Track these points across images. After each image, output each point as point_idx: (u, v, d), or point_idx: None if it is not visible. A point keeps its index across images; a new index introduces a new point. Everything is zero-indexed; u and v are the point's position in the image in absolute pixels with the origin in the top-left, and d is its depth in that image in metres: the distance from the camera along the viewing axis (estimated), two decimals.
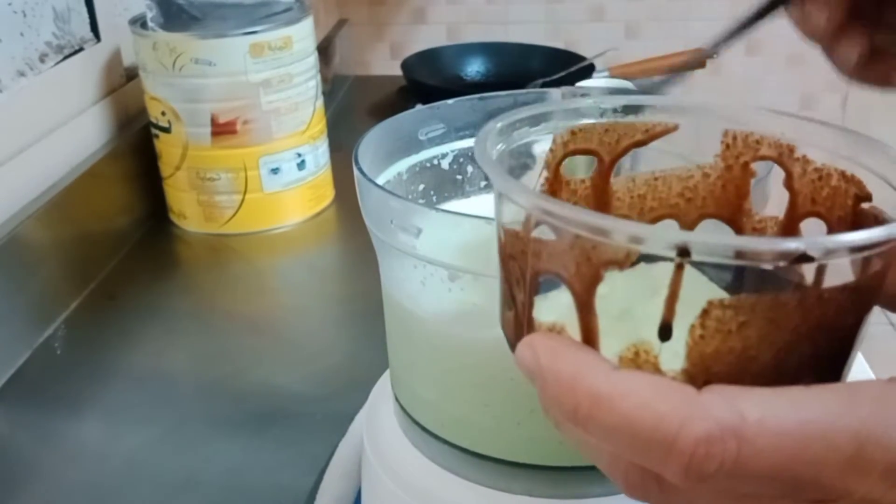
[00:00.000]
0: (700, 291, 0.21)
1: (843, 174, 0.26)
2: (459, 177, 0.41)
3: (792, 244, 0.20)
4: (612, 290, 0.22)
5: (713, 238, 0.21)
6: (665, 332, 0.22)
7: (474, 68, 1.36)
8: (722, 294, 0.21)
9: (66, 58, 0.77)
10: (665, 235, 0.21)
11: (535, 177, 0.30)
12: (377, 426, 0.40)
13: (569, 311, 0.23)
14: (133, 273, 0.78)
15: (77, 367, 0.64)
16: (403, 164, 0.39)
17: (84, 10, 0.80)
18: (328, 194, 0.89)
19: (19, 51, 0.71)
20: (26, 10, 0.71)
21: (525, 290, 0.24)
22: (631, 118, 0.30)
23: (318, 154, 0.87)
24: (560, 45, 1.40)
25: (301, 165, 0.84)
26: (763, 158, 0.28)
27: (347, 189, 0.87)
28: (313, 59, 0.85)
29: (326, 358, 0.65)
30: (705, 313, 0.21)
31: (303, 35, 0.82)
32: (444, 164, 0.41)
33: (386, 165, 0.39)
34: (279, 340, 0.68)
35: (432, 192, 0.41)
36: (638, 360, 0.22)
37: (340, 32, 1.43)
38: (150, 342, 0.68)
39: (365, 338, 0.66)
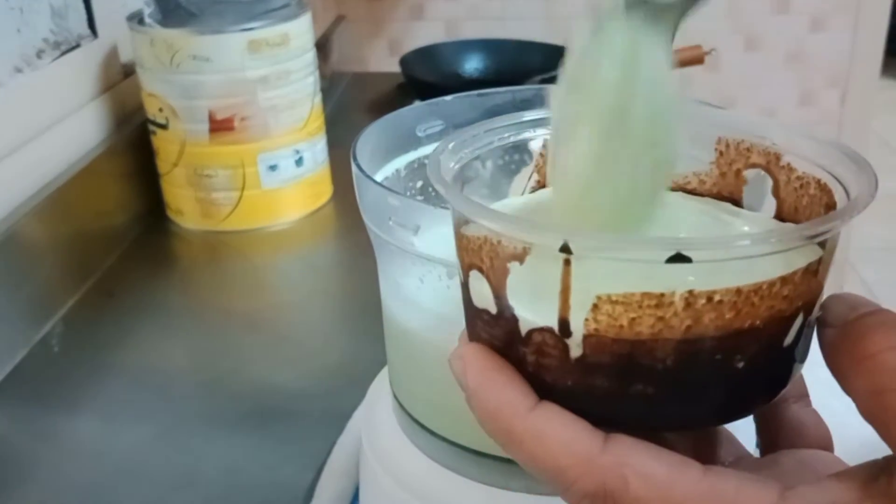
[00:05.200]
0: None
1: (818, 182, 0.26)
2: None
3: (668, 244, 0.21)
4: (524, 280, 0.23)
5: (592, 235, 0.22)
6: (564, 327, 0.22)
7: (473, 65, 1.36)
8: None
9: (63, 54, 0.77)
10: (546, 233, 0.22)
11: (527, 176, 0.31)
12: (375, 423, 0.40)
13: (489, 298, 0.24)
14: (131, 270, 0.78)
15: (74, 364, 0.64)
16: (402, 161, 0.39)
17: (81, 6, 0.80)
18: (326, 191, 0.89)
19: (16, 47, 0.71)
20: (23, 6, 0.71)
21: (461, 281, 0.26)
22: None
23: (317, 151, 0.86)
24: (559, 41, 1.39)
25: (299, 162, 0.84)
26: (753, 166, 0.28)
27: (346, 186, 0.87)
28: (311, 55, 0.84)
29: (324, 355, 0.65)
30: (595, 308, 0.22)
31: (301, 31, 0.82)
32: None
33: (384, 162, 0.39)
34: (277, 337, 0.68)
35: (431, 189, 0.41)
36: (546, 348, 0.23)
37: (338, 29, 1.43)
38: (147, 339, 0.67)
39: (363, 335, 0.66)
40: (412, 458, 0.37)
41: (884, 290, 2.00)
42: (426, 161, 0.40)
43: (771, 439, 0.28)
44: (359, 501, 0.43)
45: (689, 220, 0.28)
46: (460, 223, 0.25)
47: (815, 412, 0.28)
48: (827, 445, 0.27)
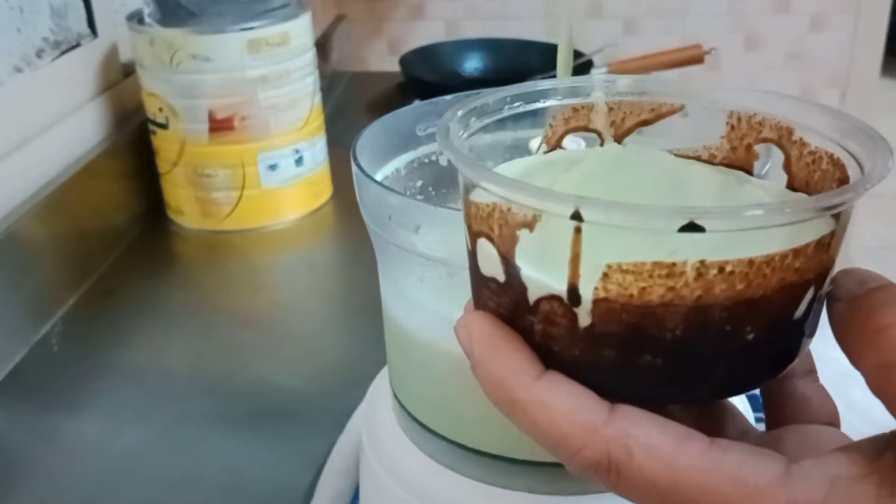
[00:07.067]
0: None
1: (831, 157, 0.26)
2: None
3: (680, 213, 0.20)
4: (533, 247, 0.23)
5: (605, 203, 0.21)
6: (573, 295, 0.22)
7: (472, 64, 1.36)
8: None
9: (62, 54, 0.77)
10: (558, 199, 0.22)
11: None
12: (375, 423, 0.40)
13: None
14: (130, 270, 0.78)
15: (74, 363, 0.64)
16: (402, 160, 0.39)
17: (81, 5, 0.80)
18: (326, 191, 0.89)
19: (16, 46, 0.71)
20: (23, 5, 0.71)
21: (468, 250, 0.26)
22: (636, 98, 0.30)
23: (316, 150, 0.86)
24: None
25: (299, 162, 0.84)
26: (765, 141, 0.28)
27: (345, 185, 0.87)
28: (311, 54, 0.84)
29: (324, 354, 0.65)
30: (605, 276, 0.21)
31: (300, 31, 0.82)
32: (443, 160, 0.40)
33: (384, 161, 0.38)
34: (277, 337, 0.68)
35: (431, 188, 0.41)
36: (554, 317, 0.23)
37: (338, 28, 1.43)
38: (147, 339, 0.67)
39: (363, 334, 0.66)
40: (412, 458, 0.37)
41: None
42: (426, 160, 0.40)
43: (776, 414, 0.28)
44: (359, 501, 0.43)
45: (712, 185, 0.27)
46: (468, 189, 0.24)
47: (821, 387, 0.28)
48: (833, 421, 0.27)
